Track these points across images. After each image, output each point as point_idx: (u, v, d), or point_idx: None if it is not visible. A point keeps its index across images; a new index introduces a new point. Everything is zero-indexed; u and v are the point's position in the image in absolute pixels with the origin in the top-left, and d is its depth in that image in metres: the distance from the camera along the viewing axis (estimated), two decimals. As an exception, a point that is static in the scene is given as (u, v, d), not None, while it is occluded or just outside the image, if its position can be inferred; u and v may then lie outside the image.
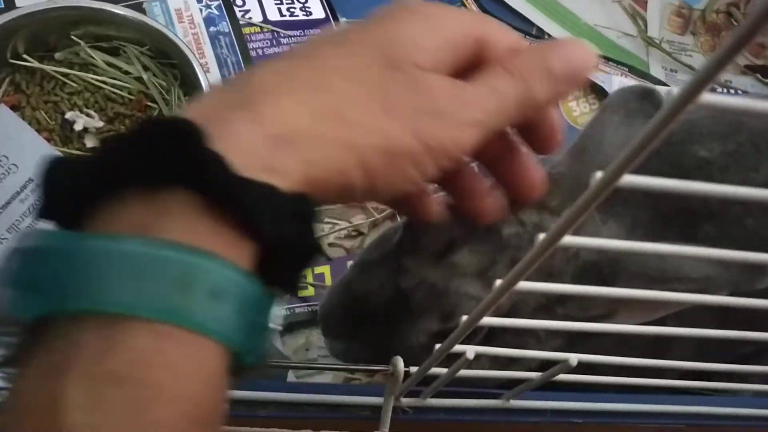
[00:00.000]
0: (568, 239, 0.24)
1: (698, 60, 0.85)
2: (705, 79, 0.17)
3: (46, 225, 0.24)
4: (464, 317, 0.31)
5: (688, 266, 0.39)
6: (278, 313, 0.25)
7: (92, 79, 0.62)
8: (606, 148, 0.44)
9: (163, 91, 0.64)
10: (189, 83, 0.64)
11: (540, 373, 0.37)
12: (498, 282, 0.28)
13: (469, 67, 0.31)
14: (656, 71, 0.83)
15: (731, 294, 0.41)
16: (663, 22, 0.86)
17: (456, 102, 0.29)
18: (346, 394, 0.40)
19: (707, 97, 0.18)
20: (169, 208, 0.23)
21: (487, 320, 0.31)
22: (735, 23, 0.87)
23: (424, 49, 0.29)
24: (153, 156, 0.23)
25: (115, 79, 0.63)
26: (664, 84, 0.82)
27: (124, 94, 0.63)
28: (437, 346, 0.34)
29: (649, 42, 0.84)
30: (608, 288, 0.29)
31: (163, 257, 0.22)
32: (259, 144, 0.24)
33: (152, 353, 0.22)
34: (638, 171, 0.46)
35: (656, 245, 0.25)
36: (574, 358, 0.35)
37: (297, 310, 0.61)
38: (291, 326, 0.61)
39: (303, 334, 0.61)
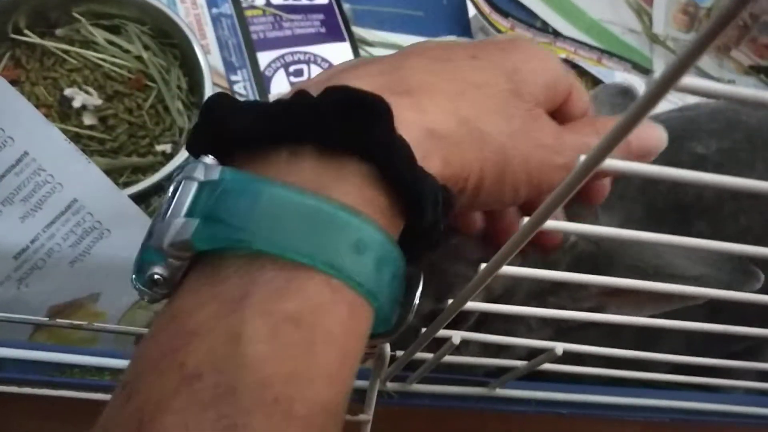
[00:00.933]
0: (552, 223, 0.24)
1: (703, 58, 0.85)
2: (686, 63, 0.17)
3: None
4: (450, 300, 0.31)
5: (681, 265, 0.39)
6: (419, 290, 0.28)
7: (92, 56, 0.62)
8: None
9: (162, 71, 0.63)
10: (189, 64, 0.64)
11: (526, 362, 0.37)
12: (483, 265, 0.28)
13: (555, 110, 0.33)
14: (659, 68, 0.83)
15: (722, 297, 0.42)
16: (668, 19, 0.86)
17: (558, 143, 0.31)
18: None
19: (687, 80, 0.18)
20: (348, 174, 0.25)
21: (472, 304, 0.31)
22: (741, 22, 0.86)
23: (540, 85, 0.31)
24: (343, 122, 0.24)
25: (115, 57, 0.63)
26: (667, 81, 0.82)
27: (124, 72, 0.62)
28: (423, 329, 0.34)
29: (654, 39, 0.84)
30: (590, 276, 0.28)
31: (343, 219, 0.24)
32: (419, 133, 0.26)
33: (325, 303, 0.23)
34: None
35: (636, 232, 0.25)
36: (560, 347, 0.35)
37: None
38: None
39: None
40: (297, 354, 0.22)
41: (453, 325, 0.34)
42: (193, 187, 0.24)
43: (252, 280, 0.23)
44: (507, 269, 0.27)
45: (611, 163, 0.21)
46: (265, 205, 0.23)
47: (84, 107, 0.60)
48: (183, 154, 0.59)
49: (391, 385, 0.40)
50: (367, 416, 0.38)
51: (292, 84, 0.71)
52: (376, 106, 0.25)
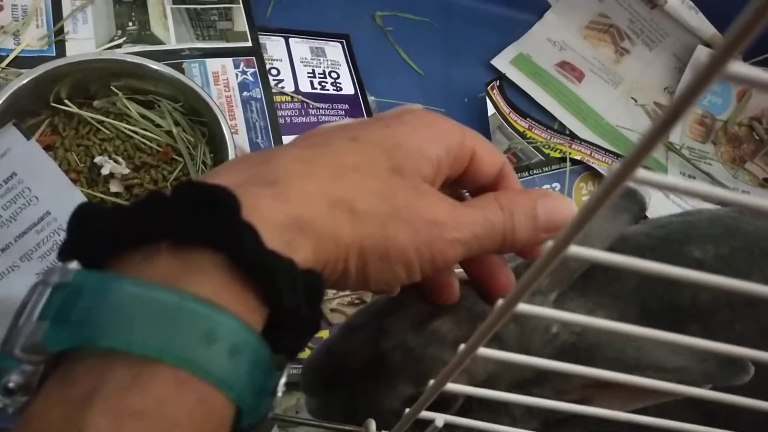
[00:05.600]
0: (523, 307, 0.25)
1: (717, 168, 0.86)
2: (639, 155, 0.18)
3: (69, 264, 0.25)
4: (431, 381, 0.32)
5: (663, 357, 0.39)
6: (282, 380, 0.28)
7: (125, 128, 0.66)
8: (592, 239, 0.45)
9: (190, 147, 0.66)
10: (216, 142, 0.67)
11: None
12: (462, 347, 0.29)
13: (461, 175, 0.34)
14: (674, 176, 0.85)
15: (711, 389, 0.41)
16: (685, 129, 0.88)
17: (452, 219, 0.31)
18: (318, 453, 0.40)
19: (641, 173, 0.19)
20: (201, 265, 0.25)
21: (452, 386, 0.31)
22: (756, 137, 0.88)
23: (427, 158, 0.32)
24: (192, 216, 0.25)
25: (146, 130, 0.66)
26: (681, 189, 0.83)
27: (153, 145, 0.66)
28: (407, 410, 0.35)
29: (670, 147, 0.86)
30: (570, 365, 0.29)
31: (193, 310, 0.24)
32: (281, 221, 0.27)
33: (173, 395, 0.23)
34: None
35: (613, 323, 0.26)
36: (543, 438, 0.35)
37: (292, 371, 0.61)
38: (284, 386, 0.61)
39: (294, 395, 0.61)
40: None
41: (438, 407, 0.34)
42: (47, 291, 0.24)
43: (100, 378, 0.23)
44: (484, 351, 0.28)
45: (576, 250, 0.22)
46: (113, 301, 0.23)
47: (112, 175, 0.63)
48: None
49: (376, 466, 0.40)
50: (349, 496, 0.38)
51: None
52: (222, 198, 0.25)
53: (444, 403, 0.40)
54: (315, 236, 0.27)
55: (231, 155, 0.65)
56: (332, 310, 0.66)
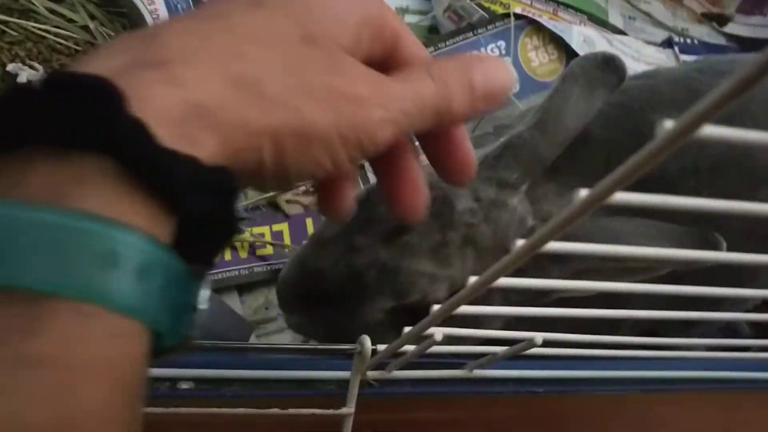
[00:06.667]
0: (551, 245, 0.24)
1: (656, 8, 0.85)
2: (704, 115, 0.17)
3: None
4: (436, 306, 0.31)
5: (642, 244, 0.40)
6: (204, 292, 0.24)
7: (34, 27, 0.59)
8: (566, 120, 0.44)
9: (111, 41, 0.60)
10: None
11: (505, 348, 0.38)
12: (472, 279, 0.28)
13: (382, 59, 0.30)
14: (615, 19, 0.83)
15: (685, 270, 0.43)
16: (624, -31, 0.85)
17: (376, 93, 0.27)
18: (312, 370, 0.40)
19: (707, 130, 0.17)
20: (87, 175, 0.21)
21: (463, 309, 0.31)
22: (694, -29, 0.86)
23: (344, 24, 0.27)
24: (66, 116, 0.21)
25: (59, 27, 0.59)
26: (623, 32, 0.82)
27: (70, 44, 0.59)
28: (406, 329, 0.34)
29: (609, -11, 0.83)
30: (580, 282, 0.29)
31: (87, 230, 0.20)
32: (178, 110, 0.23)
33: (75, 335, 0.20)
34: (592, 132, 0.45)
35: (633, 249, 0.26)
36: (539, 337, 0.35)
37: (256, 269, 0.60)
38: (250, 286, 0.60)
39: (262, 293, 0.60)
40: (46, 401, 0.19)
41: (424, 311, 0.33)
42: None
43: None
44: (504, 281, 0.27)
45: (620, 197, 0.21)
46: None
47: (30, 84, 0.57)
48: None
49: (371, 374, 0.40)
50: (350, 409, 0.38)
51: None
52: (101, 90, 0.21)
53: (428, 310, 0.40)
54: (220, 126, 0.23)
55: (157, 46, 0.59)
56: (288, 201, 0.64)
